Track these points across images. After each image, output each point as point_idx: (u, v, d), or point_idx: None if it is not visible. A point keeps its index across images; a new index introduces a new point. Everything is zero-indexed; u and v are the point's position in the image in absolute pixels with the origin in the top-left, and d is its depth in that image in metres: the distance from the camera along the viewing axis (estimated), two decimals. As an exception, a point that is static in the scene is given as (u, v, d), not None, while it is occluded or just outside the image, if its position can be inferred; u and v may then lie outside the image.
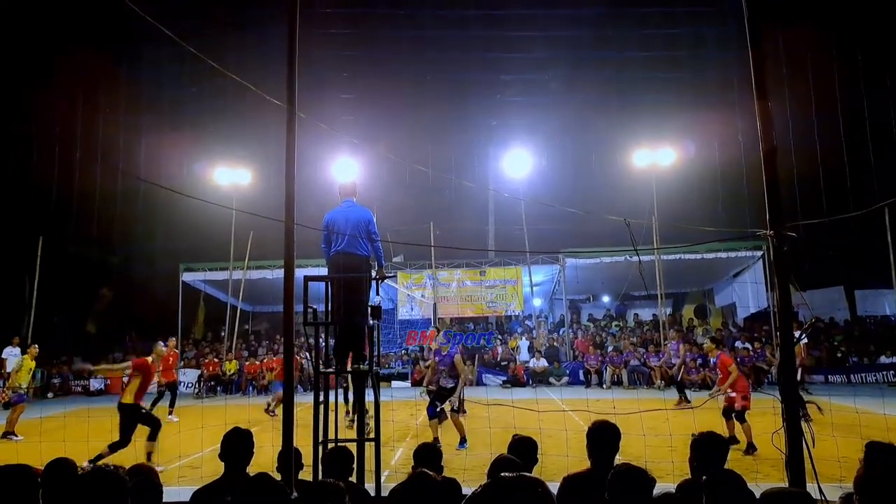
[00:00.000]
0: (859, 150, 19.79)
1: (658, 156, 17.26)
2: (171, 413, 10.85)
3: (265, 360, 16.61)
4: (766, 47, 3.42)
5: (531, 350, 17.20)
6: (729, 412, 7.33)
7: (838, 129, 19.96)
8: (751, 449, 6.86)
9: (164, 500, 2.71)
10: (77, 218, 21.64)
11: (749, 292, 18.24)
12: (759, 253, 17.22)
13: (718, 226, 17.54)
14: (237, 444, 2.86)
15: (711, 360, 8.87)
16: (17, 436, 8.89)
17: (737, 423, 7.19)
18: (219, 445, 2.97)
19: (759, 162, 3.35)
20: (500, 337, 18.83)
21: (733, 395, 7.28)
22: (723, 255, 17.65)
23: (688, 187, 19.55)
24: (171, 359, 11.38)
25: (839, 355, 16.44)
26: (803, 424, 3.05)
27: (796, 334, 3.62)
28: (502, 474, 1.62)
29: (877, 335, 17.40)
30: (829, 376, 15.35)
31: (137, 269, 22.49)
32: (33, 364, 10.05)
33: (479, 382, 16.67)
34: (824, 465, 3.28)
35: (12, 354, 14.27)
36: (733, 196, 20.68)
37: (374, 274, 5.12)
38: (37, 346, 10.27)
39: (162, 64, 22.97)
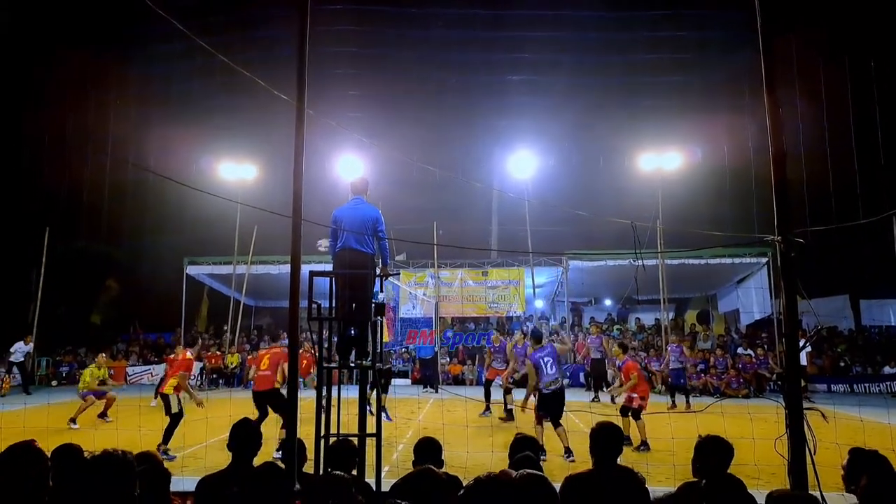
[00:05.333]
0: (868, 157, 19.66)
1: (664, 160, 17.20)
2: None
3: (267, 355, 16.65)
4: (777, 52, 3.41)
5: (532, 351, 17.17)
6: (626, 411, 7.99)
7: (848, 136, 19.83)
8: (643, 447, 7.43)
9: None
10: (84, 210, 21.77)
11: (753, 298, 18.14)
12: (764, 259, 17.13)
13: (724, 231, 17.44)
14: (245, 436, 2.89)
15: (617, 363, 9.89)
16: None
17: (632, 421, 7.83)
18: (221, 436, 2.99)
19: (766, 168, 3.35)
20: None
21: (634, 395, 7.99)
22: (727, 260, 17.56)
23: (694, 192, 19.47)
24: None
25: (843, 364, 16.35)
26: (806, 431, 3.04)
27: (800, 342, 3.62)
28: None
29: (881, 345, 17.30)
30: (832, 385, 15.26)
31: (142, 261, 22.60)
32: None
33: (479, 382, 16.68)
34: (826, 473, 3.27)
35: (20, 350, 14.52)
36: (739, 202, 20.58)
37: (377, 271, 5.14)
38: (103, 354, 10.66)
39: (171, 58, 23.06)
